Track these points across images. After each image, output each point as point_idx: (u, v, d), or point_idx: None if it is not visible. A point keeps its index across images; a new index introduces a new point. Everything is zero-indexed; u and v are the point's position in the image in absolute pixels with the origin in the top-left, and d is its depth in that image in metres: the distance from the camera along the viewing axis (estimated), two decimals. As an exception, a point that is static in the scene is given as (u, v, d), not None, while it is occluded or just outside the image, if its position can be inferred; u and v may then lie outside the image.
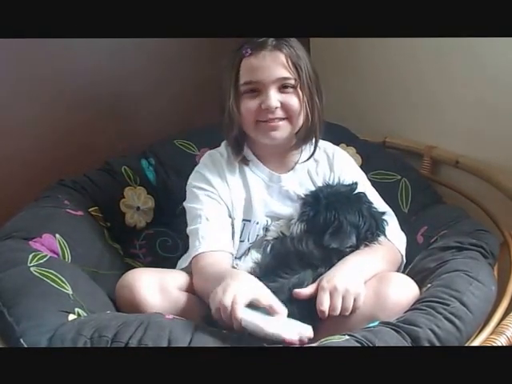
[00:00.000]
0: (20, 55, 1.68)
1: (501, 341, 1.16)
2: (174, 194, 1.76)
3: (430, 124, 1.95)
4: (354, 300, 1.26)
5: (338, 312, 1.25)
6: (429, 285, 1.32)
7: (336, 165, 1.60)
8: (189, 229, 1.49)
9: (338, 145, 1.80)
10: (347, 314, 1.26)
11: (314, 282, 1.32)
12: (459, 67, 1.79)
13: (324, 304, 1.25)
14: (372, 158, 1.90)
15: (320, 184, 1.56)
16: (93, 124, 1.89)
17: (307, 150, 1.58)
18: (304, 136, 1.53)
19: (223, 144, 1.61)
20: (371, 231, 1.41)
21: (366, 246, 1.41)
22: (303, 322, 1.30)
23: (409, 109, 2.01)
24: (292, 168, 1.58)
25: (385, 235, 1.44)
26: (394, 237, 1.49)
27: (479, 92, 1.76)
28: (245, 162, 1.56)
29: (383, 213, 1.47)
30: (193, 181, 1.56)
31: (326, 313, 1.25)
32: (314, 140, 1.55)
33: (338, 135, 1.93)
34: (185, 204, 1.55)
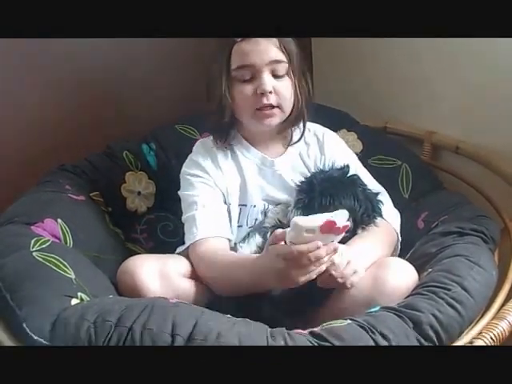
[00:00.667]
0: (19, 41, 1.67)
1: (502, 326, 1.16)
2: (174, 178, 1.75)
3: (431, 109, 1.95)
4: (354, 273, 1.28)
5: (336, 272, 1.26)
6: (429, 269, 1.33)
7: (326, 146, 1.61)
8: (184, 216, 1.50)
9: (338, 130, 1.81)
10: (341, 280, 1.27)
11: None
12: (459, 53, 1.79)
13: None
14: (373, 143, 1.90)
15: (312, 166, 1.58)
16: (93, 109, 1.88)
17: (297, 133, 1.59)
18: (292, 120, 1.54)
19: None
20: (367, 214, 1.41)
21: (364, 229, 1.42)
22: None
23: (409, 94, 2.00)
24: (284, 152, 1.60)
25: (381, 216, 1.45)
26: (389, 216, 1.50)
27: (479, 77, 1.75)
28: (229, 146, 1.58)
29: (377, 193, 1.48)
30: (187, 168, 1.56)
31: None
32: (302, 123, 1.57)
33: (339, 120, 1.94)
34: (180, 192, 1.55)
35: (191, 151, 1.62)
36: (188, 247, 1.45)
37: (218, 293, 1.37)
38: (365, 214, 1.41)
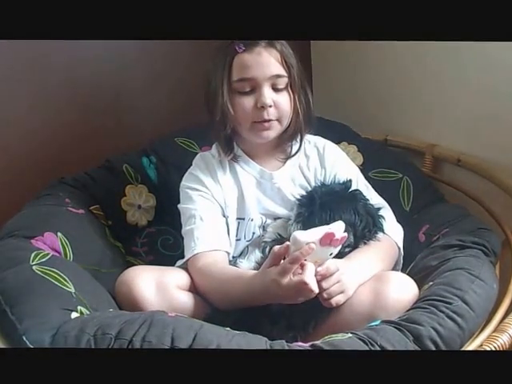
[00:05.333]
0: (19, 52, 1.69)
1: (503, 339, 1.16)
2: (175, 192, 1.75)
3: (432, 122, 1.95)
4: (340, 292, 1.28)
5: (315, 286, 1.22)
6: (431, 283, 1.32)
7: (327, 159, 1.61)
8: (184, 230, 1.51)
9: (339, 143, 1.80)
10: (326, 296, 1.26)
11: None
12: (461, 65, 1.79)
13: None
14: (373, 156, 1.90)
15: (312, 179, 1.58)
16: (93, 121, 1.89)
17: (296, 146, 1.60)
18: (290, 134, 1.55)
19: (214, 146, 1.62)
20: (368, 228, 1.41)
21: (365, 243, 1.42)
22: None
23: (410, 107, 2.01)
24: (282, 165, 1.60)
25: (383, 231, 1.45)
26: (391, 230, 1.49)
27: (481, 90, 1.75)
28: (235, 159, 1.58)
29: (379, 208, 1.48)
30: (186, 182, 1.57)
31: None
32: (299, 137, 1.57)
33: (339, 133, 1.94)
34: (179, 206, 1.56)
35: (191, 164, 1.62)
36: (187, 261, 1.45)
37: (217, 306, 1.37)
38: (366, 229, 1.41)
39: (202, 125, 1.87)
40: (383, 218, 1.46)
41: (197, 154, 1.66)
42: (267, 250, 1.42)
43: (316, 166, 1.60)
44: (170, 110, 2.05)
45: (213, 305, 1.38)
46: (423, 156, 1.94)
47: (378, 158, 1.90)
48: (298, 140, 1.59)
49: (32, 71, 1.74)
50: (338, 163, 1.61)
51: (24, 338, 1.08)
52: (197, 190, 1.53)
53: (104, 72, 1.90)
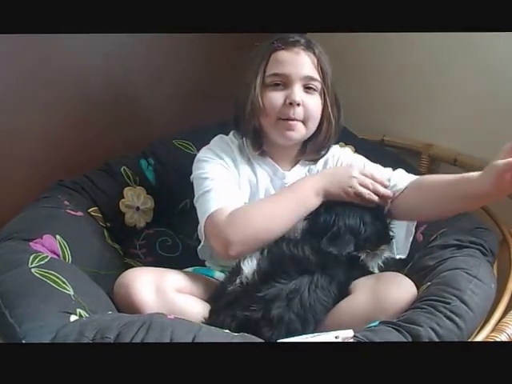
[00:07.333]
0: (19, 54, 1.68)
1: (501, 338, 1.16)
2: (173, 193, 1.76)
3: (428, 122, 1.96)
4: None
5: None
6: (428, 283, 1.32)
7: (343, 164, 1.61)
8: (198, 194, 1.47)
9: (336, 143, 1.80)
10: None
11: (309, 288, 1.31)
12: (458, 65, 1.80)
13: None
14: (370, 156, 1.88)
15: None
16: (91, 124, 1.89)
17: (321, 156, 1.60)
18: (320, 142, 1.56)
19: (232, 133, 1.61)
20: (370, 241, 1.40)
21: (368, 253, 1.41)
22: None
23: (407, 107, 2.01)
24: (294, 164, 1.60)
25: (388, 243, 1.45)
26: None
27: (477, 89, 1.76)
28: (263, 154, 1.57)
29: (389, 222, 1.46)
30: (202, 154, 1.55)
31: None
32: (327, 148, 1.58)
33: (337, 134, 1.93)
34: (193, 175, 1.53)
35: (189, 166, 1.59)
36: (207, 220, 1.40)
37: (265, 239, 1.38)
38: (368, 240, 1.40)
39: (200, 126, 1.89)
40: (392, 232, 1.46)
41: (194, 155, 1.66)
42: (265, 251, 1.41)
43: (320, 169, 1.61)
44: (168, 112, 2.05)
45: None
46: (420, 156, 1.95)
47: (375, 158, 1.88)
48: (325, 151, 1.59)
49: (32, 74, 1.73)
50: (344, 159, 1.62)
51: (23, 342, 1.08)
52: (214, 159, 1.51)
53: (103, 75, 1.90)
